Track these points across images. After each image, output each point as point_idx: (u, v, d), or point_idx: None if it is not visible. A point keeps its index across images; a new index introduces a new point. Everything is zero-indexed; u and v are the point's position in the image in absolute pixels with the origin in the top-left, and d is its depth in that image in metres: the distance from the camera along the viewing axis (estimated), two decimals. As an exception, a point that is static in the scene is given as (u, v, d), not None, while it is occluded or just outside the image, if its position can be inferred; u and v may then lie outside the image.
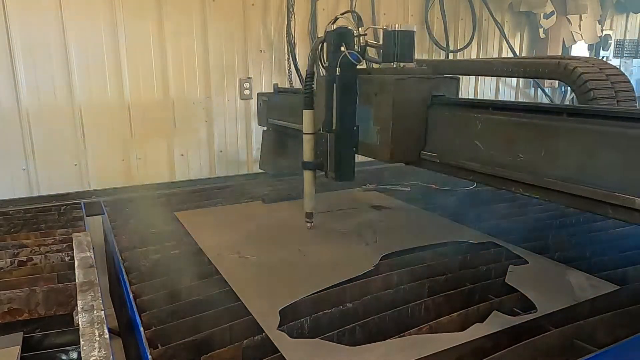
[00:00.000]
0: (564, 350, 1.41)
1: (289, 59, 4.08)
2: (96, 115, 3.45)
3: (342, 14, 2.09)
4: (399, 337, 1.42)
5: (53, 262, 2.01)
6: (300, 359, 1.32)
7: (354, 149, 2.09)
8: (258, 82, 4.03)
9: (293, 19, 3.99)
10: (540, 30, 5.38)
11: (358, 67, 2.04)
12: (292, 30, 4.01)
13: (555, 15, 5.30)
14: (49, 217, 2.61)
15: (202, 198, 2.99)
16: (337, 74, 1.99)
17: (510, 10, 5.31)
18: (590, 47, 5.86)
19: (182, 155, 3.82)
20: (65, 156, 3.40)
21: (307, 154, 2.20)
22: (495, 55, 5.39)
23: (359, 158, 2.14)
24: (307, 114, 2.16)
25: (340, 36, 1.98)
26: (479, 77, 5.10)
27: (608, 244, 2.15)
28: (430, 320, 1.49)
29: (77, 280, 1.70)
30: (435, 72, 2.08)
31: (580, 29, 5.52)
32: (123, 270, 1.92)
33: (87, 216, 2.65)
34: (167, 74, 3.64)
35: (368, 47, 2.07)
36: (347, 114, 2.05)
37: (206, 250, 2.09)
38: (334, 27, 2.00)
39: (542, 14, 5.26)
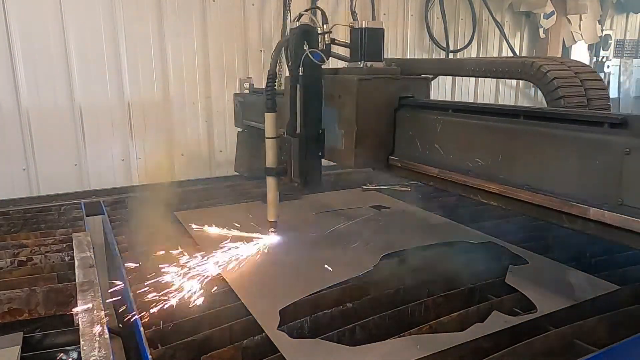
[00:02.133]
0: (564, 350, 1.41)
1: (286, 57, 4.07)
2: (96, 115, 3.45)
3: (307, 10, 1.95)
4: (399, 337, 1.42)
5: (53, 262, 2.01)
6: (300, 359, 1.32)
7: (320, 153, 1.96)
8: (258, 82, 4.02)
9: (289, 17, 3.99)
10: (540, 30, 5.38)
11: (324, 66, 1.93)
12: (288, 29, 4.01)
13: (555, 15, 5.30)
14: (49, 217, 2.61)
15: (202, 198, 2.99)
16: (300, 74, 1.87)
17: (510, 10, 5.31)
18: (590, 47, 5.86)
19: (182, 155, 3.82)
20: (65, 156, 3.40)
21: (270, 160, 2.05)
22: (496, 55, 5.39)
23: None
24: (269, 117, 2.01)
25: (303, 34, 1.84)
26: (479, 78, 5.10)
27: (608, 244, 2.15)
28: (430, 320, 1.49)
29: (77, 280, 1.70)
30: (407, 72, 1.98)
31: (580, 29, 5.52)
32: (123, 270, 1.92)
33: (87, 216, 2.65)
34: (167, 74, 3.64)
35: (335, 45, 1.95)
36: (312, 117, 1.92)
37: (206, 250, 2.09)
38: (297, 25, 1.88)
39: (542, 14, 5.26)
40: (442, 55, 4.90)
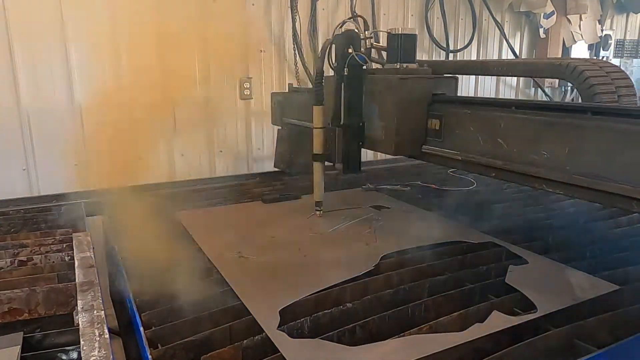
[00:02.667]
0: (564, 350, 1.41)
1: (296, 58, 4.08)
2: (96, 115, 3.44)
3: (350, 18, 2.24)
4: (399, 337, 1.42)
5: (53, 262, 2.01)
6: (300, 359, 1.32)
7: (360, 143, 2.23)
8: (258, 82, 4.03)
9: (298, 18, 4.00)
10: (541, 30, 5.38)
11: (363, 67, 2.18)
12: (298, 29, 4.02)
13: (555, 15, 5.30)
14: (49, 217, 2.61)
15: (202, 198, 2.99)
16: (345, 73, 2.14)
17: (510, 10, 5.31)
18: (590, 47, 5.86)
19: (182, 155, 3.82)
20: (65, 156, 3.40)
21: (317, 147, 2.34)
22: (495, 55, 5.39)
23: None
24: (317, 110, 2.29)
25: (348, 39, 2.12)
26: (479, 76, 5.11)
27: (608, 244, 2.15)
28: (430, 320, 1.49)
29: (77, 280, 1.70)
30: (436, 72, 2.21)
31: (580, 29, 5.52)
32: (123, 270, 1.92)
33: (87, 216, 2.65)
34: (167, 74, 3.64)
35: (373, 49, 2.23)
36: (354, 111, 2.20)
37: (206, 250, 2.09)
38: (342, 30, 2.14)
39: (542, 14, 5.26)
40: (442, 55, 4.91)
